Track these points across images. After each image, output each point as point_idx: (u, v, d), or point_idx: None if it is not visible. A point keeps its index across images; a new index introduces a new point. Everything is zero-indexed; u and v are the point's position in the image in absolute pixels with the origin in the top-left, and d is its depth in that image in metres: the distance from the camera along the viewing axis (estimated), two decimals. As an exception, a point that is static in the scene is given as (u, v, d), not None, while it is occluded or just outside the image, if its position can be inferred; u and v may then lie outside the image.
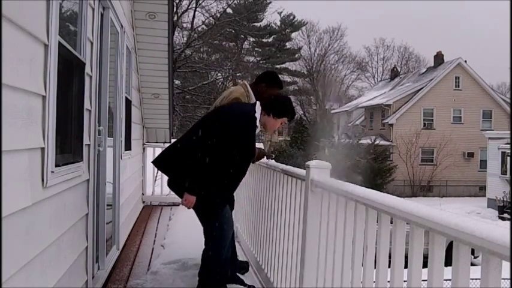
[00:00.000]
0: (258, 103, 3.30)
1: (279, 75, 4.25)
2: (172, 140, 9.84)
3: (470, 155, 31.53)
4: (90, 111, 3.04)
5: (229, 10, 31.07)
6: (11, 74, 1.65)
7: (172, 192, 7.70)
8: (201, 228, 3.94)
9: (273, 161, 3.83)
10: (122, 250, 4.69)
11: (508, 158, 24.32)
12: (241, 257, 4.21)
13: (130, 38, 5.35)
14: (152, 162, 3.51)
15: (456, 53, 58.49)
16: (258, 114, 3.23)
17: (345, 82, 48.26)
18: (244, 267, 3.94)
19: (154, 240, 5.27)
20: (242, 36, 39.27)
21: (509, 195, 23.21)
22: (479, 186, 30.19)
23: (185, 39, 27.64)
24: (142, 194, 7.54)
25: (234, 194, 4.22)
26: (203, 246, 3.98)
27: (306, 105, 43.93)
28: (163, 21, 5.85)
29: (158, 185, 7.81)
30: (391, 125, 31.83)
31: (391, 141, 31.39)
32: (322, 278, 2.35)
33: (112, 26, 3.85)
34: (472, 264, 1.91)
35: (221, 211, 3.27)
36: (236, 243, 4.64)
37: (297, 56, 43.94)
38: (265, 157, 3.86)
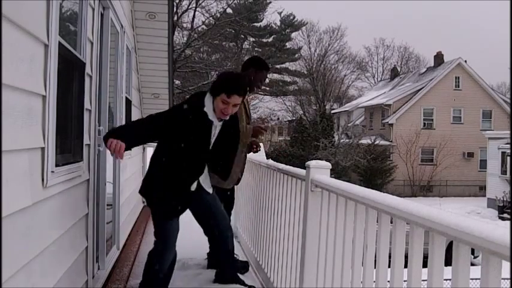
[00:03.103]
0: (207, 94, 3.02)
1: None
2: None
3: (470, 155, 31.53)
4: (90, 111, 3.04)
5: (229, 10, 31.07)
6: (11, 74, 1.65)
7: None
8: (201, 228, 3.94)
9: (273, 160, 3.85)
10: (122, 250, 4.69)
11: (508, 158, 24.32)
12: (241, 257, 4.21)
13: (130, 38, 5.35)
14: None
15: (456, 53, 58.55)
16: (208, 105, 2.95)
17: (345, 82, 48.23)
18: (244, 267, 3.95)
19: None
20: (242, 36, 39.27)
21: (509, 195, 23.21)
22: (479, 186, 30.19)
23: (185, 39, 27.65)
24: (143, 194, 7.52)
25: (235, 194, 4.22)
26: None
27: (306, 105, 43.89)
28: (163, 21, 5.85)
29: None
30: (391, 124, 31.84)
31: (391, 141, 31.40)
32: (322, 277, 2.35)
33: (112, 26, 3.85)
34: (472, 264, 1.92)
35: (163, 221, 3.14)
36: (236, 243, 4.65)
37: (297, 56, 43.88)
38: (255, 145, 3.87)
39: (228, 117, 2.94)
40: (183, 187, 3.04)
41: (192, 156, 3.00)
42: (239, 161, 3.84)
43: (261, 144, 3.99)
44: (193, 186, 3.09)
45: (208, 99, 2.96)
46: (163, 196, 3.01)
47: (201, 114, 2.92)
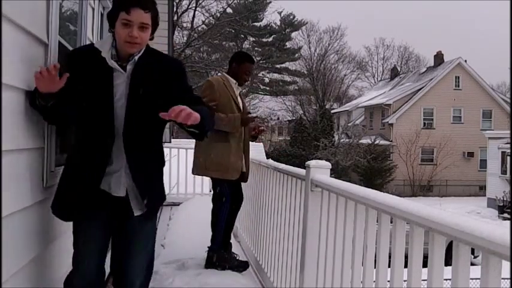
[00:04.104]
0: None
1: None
2: (173, 140, 9.74)
3: (470, 154, 31.52)
4: (90, 111, 3.03)
5: (229, 10, 31.09)
6: (11, 73, 1.65)
7: (172, 192, 7.72)
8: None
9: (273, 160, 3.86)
10: (122, 250, 4.68)
11: (508, 157, 24.32)
12: (241, 256, 4.21)
13: (130, 38, 5.35)
14: None
15: (456, 53, 58.57)
16: (105, 44, 2.08)
17: (345, 82, 48.26)
18: (243, 267, 3.96)
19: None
20: (242, 36, 39.29)
21: (509, 195, 23.21)
22: (479, 186, 30.19)
23: (185, 39, 27.68)
24: (143, 193, 7.51)
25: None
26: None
27: (306, 105, 43.91)
28: (164, 21, 5.85)
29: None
30: (391, 124, 31.84)
31: (391, 141, 31.40)
32: (322, 277, 2.35)
33: (112, 25, 3.85)
34: (472, 264, 1.92)
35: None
36: (236, 243, 4.65)
37: (297, 55, 43.90)
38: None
39: (137, 48, 2.03)
40: (85, 179, 2.04)
41: (91, 122, 2.05)
42: (237, 151, 3.82)
43: (261, 143, 3.98)
44: (107, 186, 2.06)
45: (106, 38, 2.16)
46: (62, 184, 2.11)
47: (91, 52, 2.06)
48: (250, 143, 4.07)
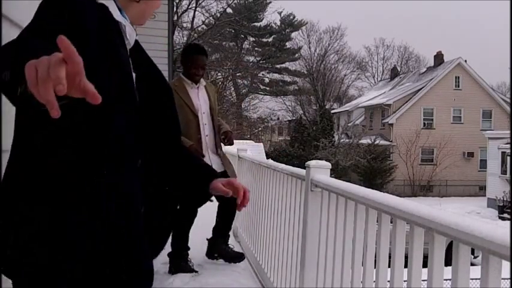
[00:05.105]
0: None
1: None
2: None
3: (470, 154, 31.55)
4: (90, 111, 3.03)
5: (229, 10, 31.12)
6: (11, 73, 1.65)
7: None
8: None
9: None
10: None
11: (508, 157, 24.34)
12: (241, 256, 4.23)
13: (130, 38, 5.35)
14: None
15: (456, 53, 58.59)
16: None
17: (345, 82, 48.30)
18: (238, 258, 4.00)
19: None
20: (242, 36, 39.35)
21: (509, 195, 23.22)
22: (479, 186, 30.21)
23: (185, 39, 27.68)
24: (142, 193, 7.52)
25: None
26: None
27: (306, 105, 43.94)
28: (164, 21, 5.85)
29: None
30: (391, 124, 31.86)
31: (391, 141, 31.41)
32: (322, 277, 2.35)
33: (112, 25, 3.85)
34: (472, 264, 1.92)
35: None
36: (236, 243, 4.66)
37: (297, 55, 43.95)
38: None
39: None
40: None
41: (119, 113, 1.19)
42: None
43: (261, 144, 3.99)
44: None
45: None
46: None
47: (96, 8, 1.23)
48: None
